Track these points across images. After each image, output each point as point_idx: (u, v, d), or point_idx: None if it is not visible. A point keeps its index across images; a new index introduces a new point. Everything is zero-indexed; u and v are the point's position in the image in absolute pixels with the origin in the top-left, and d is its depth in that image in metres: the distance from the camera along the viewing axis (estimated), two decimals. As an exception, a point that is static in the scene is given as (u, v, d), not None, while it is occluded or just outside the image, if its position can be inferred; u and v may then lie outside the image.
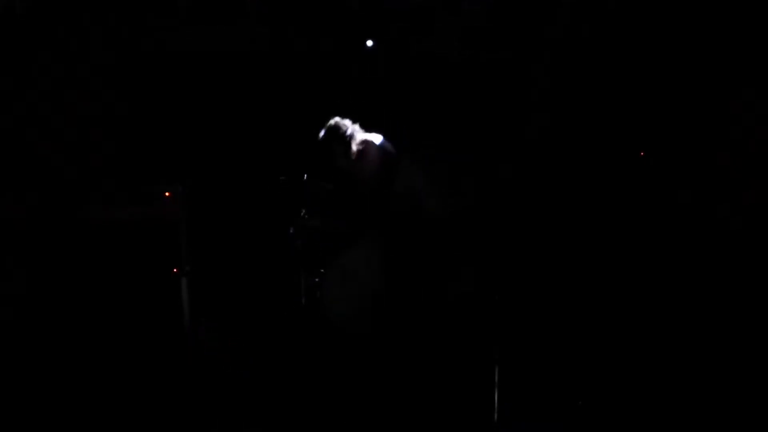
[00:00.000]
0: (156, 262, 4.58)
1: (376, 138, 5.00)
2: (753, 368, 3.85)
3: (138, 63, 5.46)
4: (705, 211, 4.77)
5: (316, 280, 5.15)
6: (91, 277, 4.51)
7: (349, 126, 4.76)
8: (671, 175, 4.96)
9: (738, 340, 4.09)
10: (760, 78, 4.70)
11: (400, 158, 4.93)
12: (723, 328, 4.22)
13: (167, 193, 4.61)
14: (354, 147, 4.74)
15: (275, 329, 4.99)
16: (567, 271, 4.87)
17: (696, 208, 4.81)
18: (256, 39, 5.75)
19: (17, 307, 4.36)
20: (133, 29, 5.38)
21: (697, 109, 4.90)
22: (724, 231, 4.63)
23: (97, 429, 3.67)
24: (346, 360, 4.47)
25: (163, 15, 5.50)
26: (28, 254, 4.53)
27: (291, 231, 5.29)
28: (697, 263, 4.65)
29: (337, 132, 4.72)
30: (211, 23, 5.64)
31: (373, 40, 5.68)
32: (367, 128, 4.88)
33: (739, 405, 3.59)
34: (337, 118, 4.79)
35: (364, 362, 4.41)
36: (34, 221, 4.62)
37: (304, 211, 5.24)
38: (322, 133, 4.75)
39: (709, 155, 4.82)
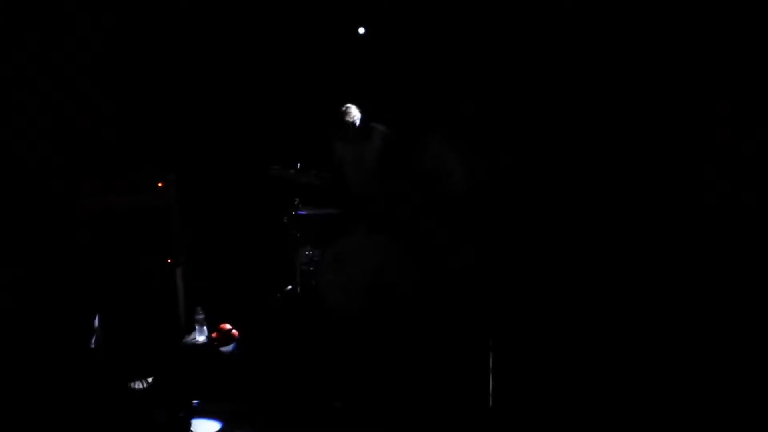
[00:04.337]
0: (150, 250, 4.57)
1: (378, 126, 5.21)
2: (751, 366, 3.84)
3: (129, 51, 5.43)
4: (699, 202, 4.80)
5: (311, 268, 5.17)
6: (86, 266, 4.51)
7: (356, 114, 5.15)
8: (665, 165, 4.98)
9: (735, 336, 4.09)
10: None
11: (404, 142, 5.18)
12: (719, 319, 4.23)
13: (160, 183, 4.59)
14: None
15: (270, 317, 5.00)
16: (563, 262, 4.89)
17: (690, 201, 4.84)
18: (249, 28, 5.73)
19: (17, 294, 4.36)
20: (123, 15, 5.35)
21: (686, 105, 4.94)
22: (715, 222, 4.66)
23: (90, 420, 3.67)
24: (342, 346, 4.48)
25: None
26: (25, 243, 4.53)
27: (285, 220, 5.30)
28: (691, 252, 4.67)
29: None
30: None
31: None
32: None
33: (739, 405, 3.58)
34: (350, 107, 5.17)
35: (359, 348, 4.43)
36: (28, 210, 4.62)
37: (297, 199, 5.25)
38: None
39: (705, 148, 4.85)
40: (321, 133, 5.54)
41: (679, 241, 4.75)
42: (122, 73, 5.40)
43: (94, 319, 4.42)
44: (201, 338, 4.59)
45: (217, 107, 5.76)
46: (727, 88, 4.77)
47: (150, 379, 3.96)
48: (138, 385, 3.92)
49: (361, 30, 5.65)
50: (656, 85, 5.08)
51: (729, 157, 4.70)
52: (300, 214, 5.24)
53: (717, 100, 4.82)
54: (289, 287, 5.26)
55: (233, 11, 5.67)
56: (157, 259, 4.57)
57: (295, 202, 5.23)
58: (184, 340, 4.57)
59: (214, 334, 4.56)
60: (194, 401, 3.80)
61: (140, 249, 4.56)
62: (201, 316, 4.62)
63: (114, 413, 3.73)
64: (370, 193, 5.20)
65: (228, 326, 4.57)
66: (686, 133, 4.93)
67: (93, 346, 4.36)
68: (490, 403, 3.65)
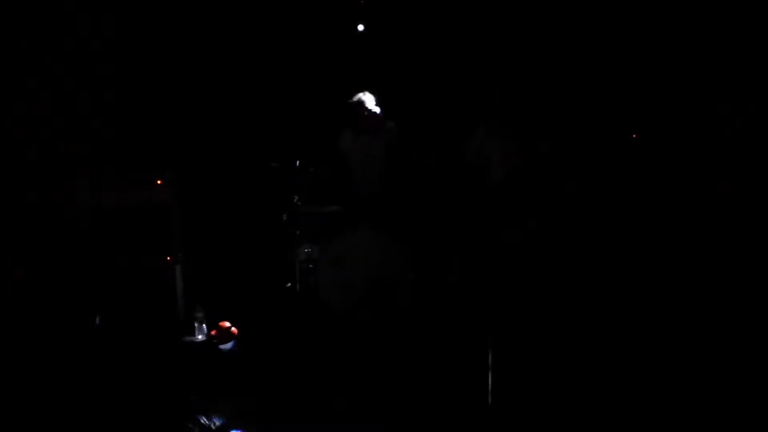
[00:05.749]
0: (149, 249, 4.57)
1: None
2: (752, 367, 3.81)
3: (129, 50, 5.44)
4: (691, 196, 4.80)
5: (310, 266, 5.16)
6: (86, 264, 4.51)
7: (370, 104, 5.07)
8: (665, 165, 4.98)
9: (735, 336, 4.06)
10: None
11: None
12: (719, 318, 4.21)
13: (159, 181, 4.59)
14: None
15: (270, 315, 4.99)
16: (561, 260, 4.87)
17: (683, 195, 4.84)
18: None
19: (17, 292, 4.37)
20: (123, 15, 5.36)
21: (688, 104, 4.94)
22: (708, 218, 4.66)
23: (89, 419, 3.67)
24: (341, 343, 4.48)
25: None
26: (25, 242, 4.54)
27: (284, 217, 5.30)
28: (692, 251, 4.66)
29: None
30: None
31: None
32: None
33: (739, 405, 3.56)
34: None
35: (358, 346, 4.42)
36: (27, 209, 4.63)
37: (296, 197, 5.24)
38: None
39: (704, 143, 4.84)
40: (321, 131, 5.54)
41: (679, 241, 4.74)
42: (122, 72, 5.40)
43: (94, 317, 4.42)
44: (200, 336, 4.59)
45: (215, 105, 5.76)
46: (727, 88, 4.77)
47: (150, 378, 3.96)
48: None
49: (360, 27, 5.64)
50: (656, 86, 5.08)
51: (730, 156, 4.69)
52: (299, 211, 5.23)
53: (717, 100, 4.82)
54: (289, 285, 5.25)
55: (232, 10, 5.67)
56: (157, 257, 4.57)
57: (294, 200, 5.23)
58: (183, 338, 4.57)
59: (213, 332, 4.55)
60: (194, 399, 3.79)
61: (139, 247, 4.56)
62: (200, 314, 4.61)
63: (113, 412, 3.73)
64: (373, 191, 5.18)
65: (227, 324, 4.56)
66: (686, 132, 4.94)
67: (92, 344, 4.36)
68: (490, 400, 3.64)
